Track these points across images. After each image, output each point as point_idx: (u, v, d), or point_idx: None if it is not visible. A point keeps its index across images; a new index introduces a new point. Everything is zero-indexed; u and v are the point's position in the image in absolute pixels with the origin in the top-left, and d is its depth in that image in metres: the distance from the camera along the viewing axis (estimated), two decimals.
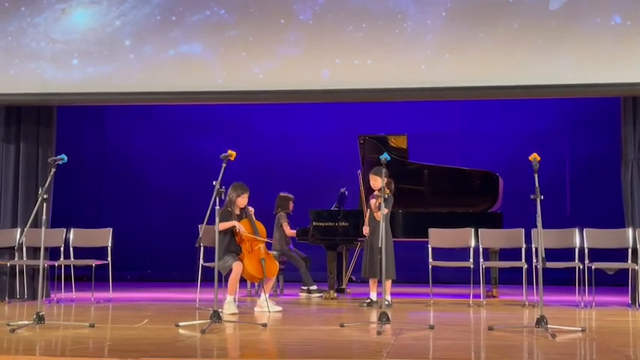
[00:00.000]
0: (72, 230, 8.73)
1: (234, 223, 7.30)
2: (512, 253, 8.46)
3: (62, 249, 8.60)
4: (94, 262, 8.43)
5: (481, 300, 8.13)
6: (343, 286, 9.49)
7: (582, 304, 7.88)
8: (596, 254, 8.11)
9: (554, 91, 8.09)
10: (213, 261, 6.56)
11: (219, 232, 7.01)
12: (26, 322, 6.13)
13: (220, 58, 8.34)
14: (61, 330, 6.01)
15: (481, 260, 8.21)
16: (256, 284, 8.77)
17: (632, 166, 8.13)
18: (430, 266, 8.21)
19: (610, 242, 8.11)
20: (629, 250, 8.01)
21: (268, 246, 7.72)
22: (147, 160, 12.54)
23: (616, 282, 8.71)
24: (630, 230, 8.05)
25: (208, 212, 6.31)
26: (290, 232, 9.35)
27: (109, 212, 12.22)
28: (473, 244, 8.35)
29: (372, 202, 7.69)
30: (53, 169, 6.51)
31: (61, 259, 8.56)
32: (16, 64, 8.50)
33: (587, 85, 7.92)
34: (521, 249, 8.23)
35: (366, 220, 7.99)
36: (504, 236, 8.45)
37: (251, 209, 7.50)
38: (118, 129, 12.61)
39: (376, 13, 8.14)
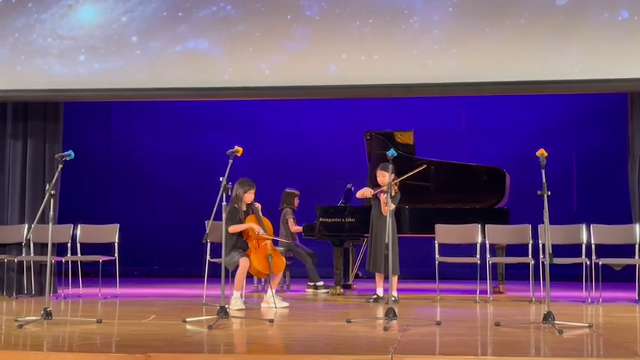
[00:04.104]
0: (79, 226, 8.75)
1: (252, 225, 7.30)
2: (518, 249, 8.44)
3: (69, 245, 8.62)
4: (101, 258, 8.45)
5: (488, 296, 8.12)
6: (350, 282, 9.48)
7: (589, 300, 7.86)
8: (603, 250, 8.09)
9: (561, 86, 8.07)
10: (220, 257, 6.56)
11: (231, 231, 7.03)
12: (34, 318, 6.15)
13: (227, 53, 8.34)
14: (68, 325, 6.02)
15: (488, 256, 8.20)
16: (263, 280, 8.77)
17: (639, 162, 8.10)
18: (437, 262, 8.20)
19: (617, 238, 8.09)
20: (637, 246, 7.99)
21: (275, 242, 7.73)
22: (153, 156, 12.56)
23: (623, 278, 8.68)
24: (637, 226, 8.03)
25: (215, 208, 6.31)
26: (295, 228, 9.35)
27: (115, 208, 12.26)
28: (479, 240, 8.33)
29: (383, 197, 7.65)
30: (60, 165, 6.52)
31: (69, 254, 8.58)
32: (23, 61, 8.52)
33: (594, 80, 7.89)
34: (527, 245, 8.21)
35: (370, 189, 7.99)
36: (511, 232, 8.43)
37: (258, 205, 7.50)
38: (125, 125, 12.62)
39: (383, 9, 8.13)
